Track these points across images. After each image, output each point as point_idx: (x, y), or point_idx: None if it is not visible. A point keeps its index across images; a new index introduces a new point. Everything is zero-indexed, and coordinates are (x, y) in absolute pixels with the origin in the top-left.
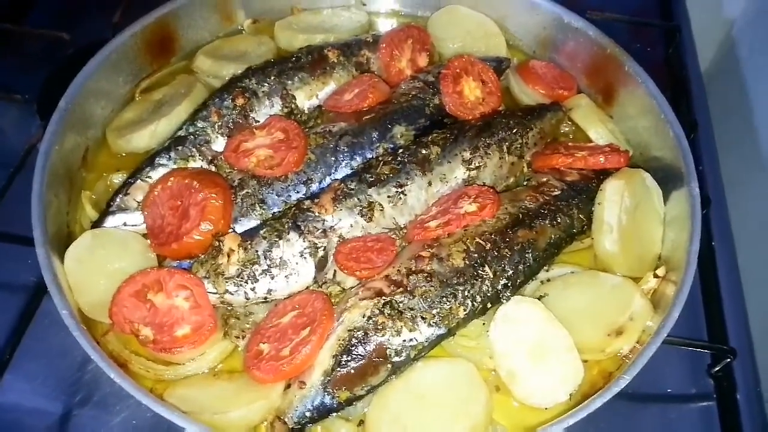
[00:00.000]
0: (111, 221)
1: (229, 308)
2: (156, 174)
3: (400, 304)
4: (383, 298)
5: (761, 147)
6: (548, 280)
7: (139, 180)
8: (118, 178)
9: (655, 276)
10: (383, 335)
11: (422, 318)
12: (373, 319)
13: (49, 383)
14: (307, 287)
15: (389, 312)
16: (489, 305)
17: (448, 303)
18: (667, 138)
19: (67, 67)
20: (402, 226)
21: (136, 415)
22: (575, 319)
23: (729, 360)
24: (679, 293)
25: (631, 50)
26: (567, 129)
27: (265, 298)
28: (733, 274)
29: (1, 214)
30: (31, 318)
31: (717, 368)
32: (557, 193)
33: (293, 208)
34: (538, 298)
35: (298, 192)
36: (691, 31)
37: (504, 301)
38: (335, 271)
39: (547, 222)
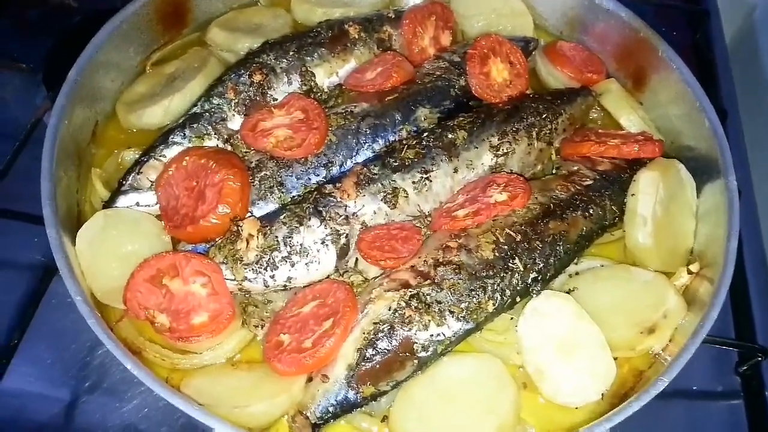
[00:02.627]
0: (123, 201)
1: (247, 296)
2: (170, 152)
3: (428, 297)
4: (410, 290)
5: None
6: (577, 274)
7: (152, 158)
8: (129, 156)
9: (689, 272)
10: (410, 329)
11: (450, 312)
12: (400, 312)
13: (56, 368)
14: (328, 276)
15: (416, 305)
16: (518, 299)
17: (477, 296)
18: (702, 127)
19: (74, 36)
20: (427, 213)
21: (148, 402)
22: (606, 315)
23: (759, 359)
24: (717, 293)
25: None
26: (595, 115)
27: (285, 286)
28: (762, 269)
29: (7, 189)
30: (40, 300)
31: (745, 367)
32: (589, 182)
33: (314, 193)
34: (567, 292)
35: (318, 175)
36: (719, 16)
37: (533, 294)
38: (357, 259)
39: (579, 213)
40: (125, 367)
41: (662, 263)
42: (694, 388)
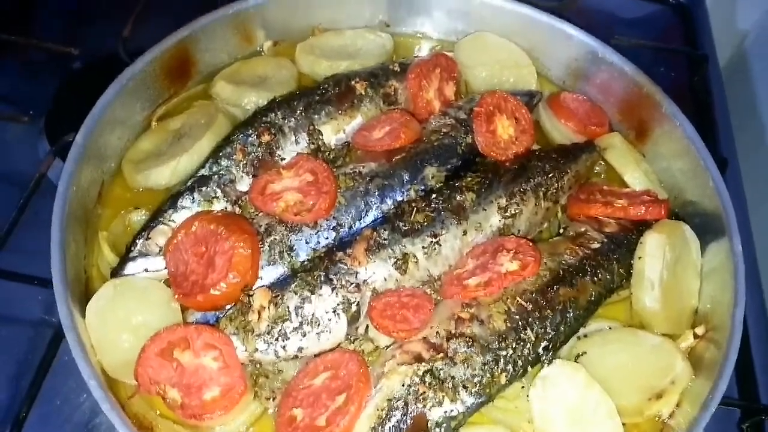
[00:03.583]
0: (132, 267)
1: (257, 366)
2: (179, 217)
3: (441, 372)
4: (423, 364)
5: None
6: (585, 336)
7: (161, 223)
8: (136, 217)
9: (695, 336)
10: (424, 406)
11: (464, 387)
12: (414, 388)
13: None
14: (339, 344)
15: (430, 381)
16: (529, 368)
17: (490, 370)
18: (705, 186)
19: (75, 82)
20: (436, 277)
21: None
22: (614, 381)
23: (763, 418)
24: (726, 363)
25: (654, 74)
26: (599, 169)
27: (296, 355)
28: (764, 325)
29: (10, 247)
30: (49, 367)
31: (748, 423)
32: (597, 246)
33: (324, 260)
34: (576, 356)
35: (327, 238)
36: (717, 60)
37: (544, 362)
38: (368, 326)
39: (588, 278)
40: None
41: (669, 326)
42: None
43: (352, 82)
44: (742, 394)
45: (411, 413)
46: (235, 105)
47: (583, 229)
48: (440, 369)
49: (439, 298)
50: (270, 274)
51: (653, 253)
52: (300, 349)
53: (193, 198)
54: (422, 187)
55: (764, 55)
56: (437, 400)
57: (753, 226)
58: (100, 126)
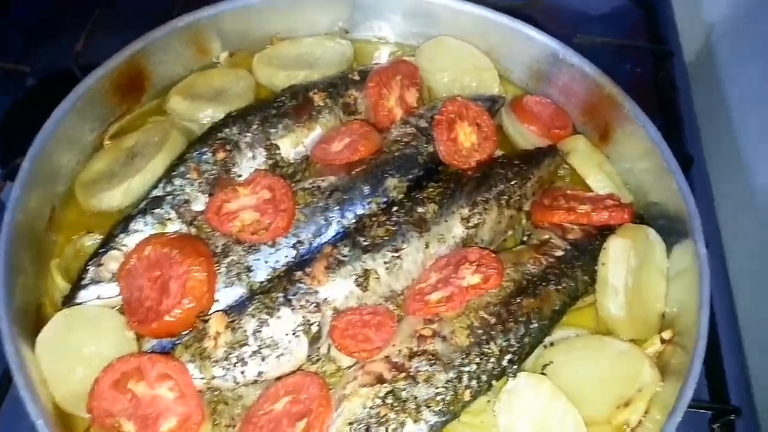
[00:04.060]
0: (84, 295)
1: (216, 393)
2: (131, 241)
3: (403, 392)
4: (385, 385)
5: (742, 153)
6: (551, 344)
7: (113, 248)
8: (88, 242)
9: (662, 341)
10: (386, 429)
11: (427, 406)
12: (375, 410)
13: None
14: (300, 366)
15: (392, 402)
16: (494, 382)
17: (453, 387)
18: (670, 188)
19: (27, 101)
20: (399, 292)
21: None
22: (581, 390)
23: (732, 418)
24: (692, 367)
25: (619, 71)
26: (563, 172)
27: (256, 380)
28: (733, 327)
29: None
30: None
31: (718, 423)
32: (560, 254)
33: (283, 280)
34: (543, 366)
35: (287, 257)
36: (682, 55)
37: (509, 375)
38: (330, 345)
39: (551, 288)
40: None
41: (635, 331)
42: None
43: (310, 93)
44: (713, 395)
45: None
46: (191, 120)
47: (546, 237)
48: (402, 389)
49: (402, 313)
50: (228, 296)
51: (617, 258)
52: (260, 374)
53: (146, 220)
54: (384, 200)
55: (731, 47)
56: (399, 421)
57: (720, 223)
58: (50, 148)
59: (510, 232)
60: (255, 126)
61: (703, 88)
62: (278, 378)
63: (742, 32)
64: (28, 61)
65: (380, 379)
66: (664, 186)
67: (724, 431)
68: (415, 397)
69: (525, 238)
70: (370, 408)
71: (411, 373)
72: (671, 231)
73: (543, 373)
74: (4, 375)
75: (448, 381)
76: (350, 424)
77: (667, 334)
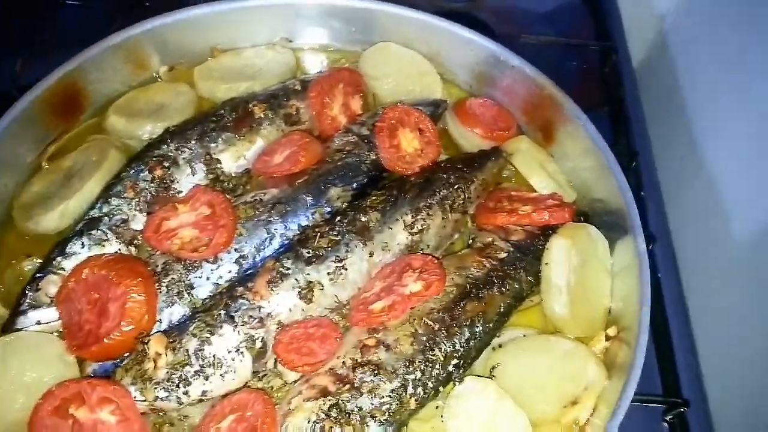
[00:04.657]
0: (23, 321)
1: (161, 414)
2: (69, 264)
3: (348, 404)
4: (329, 398)
5: (696, 146)
6: (500, 346)
7: (50, 272)
8: (28, 266)
9: (607, 338)
10: None
11: (372, 417)
12: (320, 424)
13: None
14: (246, 383)
15: (336, 415)
16: (441, 388)
17: (398, 396)
18: (611, 185)
19: None
20: (344, 302)
21: None
22: (530, 390)
23: (683, 411)
24: (634, 363)
25: (566, 68)
26: (509, 173)
27: (200, 399)
28: (682, 320)
29: None
30: None
31: (670, 416)
32: (503, 256)
33: (224, 297)
34: (492, 368)
35: (230, 272)
36: (627, 50)
37: (456, 381)
38: (275, 360)
39: (495, 290)
40: None
41: (582, 329)
42: None
43: (250, 106)
44: (665, 389)
45: None
46: (130, 137)
47: (489, 240)
48: (346, 401)
49: (348, 324)
50: (170, 315)
51: (559, 258)
52: (204, 393)
53: (83, 242)
54: (328, 209)
55: (682, 39)
56: None
57: (671, 217)
58: None
59: (456, 236)
60: (193, 141)
61: (655, 82)
62: (224, 395)
63: (693, 23)
64: None
65: (324, 392)
66: (606, 183)
67: (676, 424)
68: (360, 408)
69: (469, 242)
70: (315, 422)
71: (355, 385)
72: (615, 227)
73: (492, 376)
74: None
75: (392, 390)
76: None
77: (612, 331)
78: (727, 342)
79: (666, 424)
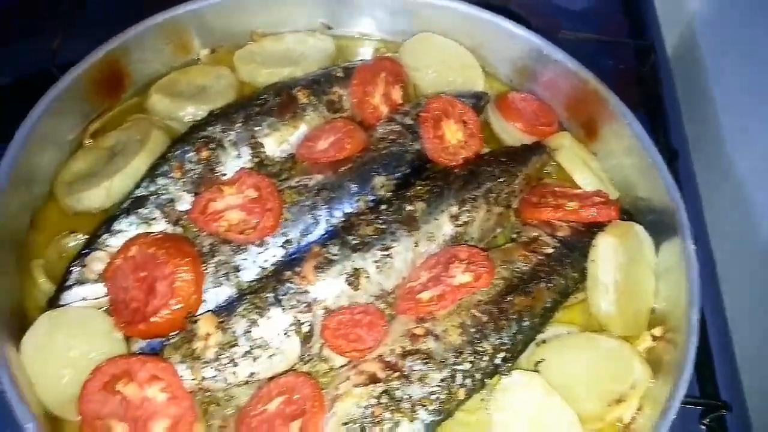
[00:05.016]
0: (68, 297)
1: (207, 394)
2: (115, 241)
3: (397, 392)
4: (378, 385)
5: (726, 146)
6: (543, 342)
7: (97, 249)
8: (71, 242)
9: (654, 337)
10: (381, 429)
11: (422, 405)
12: (370, 409)
13: None
14: (293, 366)
15: (386, 402)
16: (488, 380)
17: (447, 386)
18: (657, 184)
19: (5, 101)
20: (389, 291)
21: None
22: (574, 387)
23: (723, 413)
24: (684, 365)
25: (602, 66)
26: (550, 169)
27: (247, 380)
28: (720, 321)
29: None
30: None
31: (708, 419)
32: (550, 251)
33: (272, 280)
34: (535, 364)
35: (275, 256)
36: (665, 50)
37: (503, 373)
38: (321, 345)
39: (542, 285)
40: None
41: (626, 328)
42: None
43: (294, 91)
44: (703, 391)
45: None
46: (171, 118)
47: (535, 234)
48: (396, 388)
49: (393, 312)
50: (216, 296)
51: (606, 256)
52: (251, 374)
53: (130, 220)
54: (372, 198)
55: (711, 36)
56: (394, 421)
57: (707, 218)
58: (28, 148)
59: (499, 230)
60: (239, 124)
61: (685, 81)
62: (270, 378)
63: (724, 22)
64: (3, 61)
65: (374, 379)
66: (651, 182)
67: (714, 427)
68: (410, 397)
69: (514, 236)
70: (365, 408)
71: (405, 373)
72: (659, 227)
73: (536, 371)
74: None
75: (442, 380)
76: (345, 424)
77: (657, 331)
78: (761, 344)
79: (704, 427)
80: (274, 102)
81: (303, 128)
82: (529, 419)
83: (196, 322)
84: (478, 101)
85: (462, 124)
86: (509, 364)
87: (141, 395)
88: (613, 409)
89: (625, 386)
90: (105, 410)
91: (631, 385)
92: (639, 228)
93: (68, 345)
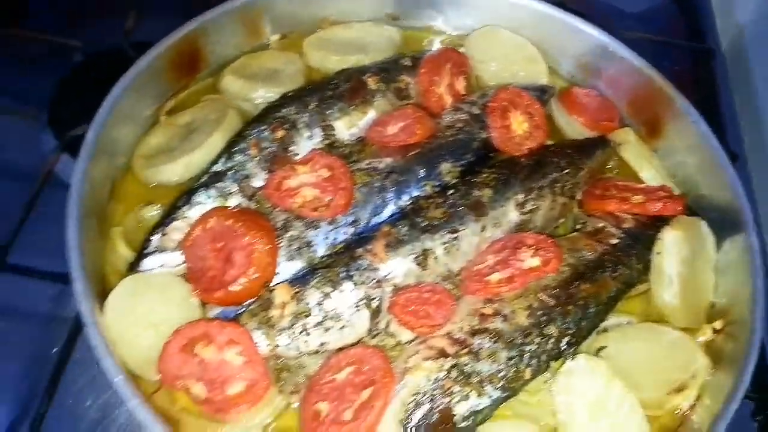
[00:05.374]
0: (149, 263)
1: (279, 361)
2: (194, 213)
3: (466, 367)
4: (448, 359)
5: None
6: (605, 330)
7: (176, 219)
8: (149, 212)
9: (714, 330)
10: (450, 401)
11: (490, 381)
12: (440, 383)
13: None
14: (361, 339)
15: (456, 376)
16: (552, 363)
17: (515, 365)
18: (719, 181)
19: (78, 77)
20: (455, 272)
21: None
22: (635, 374)
23: None
24: (749, 357)
25: (658, 68)
26: (612, 164)
27: (318, 350)
28: None
29: (20, 244)
30: (64, 368)
31: (761, 416)
32: (616, 241)
33: (344, 256)
34: (597, 351)
35: (344, 234)
36: (723, 54)
37: (567, 357)
38: (388, 321)
39: (607, 274)
40: None
41: (687, 320)
42: None
43: (364, 77)
44: (756, 386)
45: (437, 408)
46: (244, 99)
47: (601, 225)
48: (465, 364)
49: (459, 293)
50: (288, 269)
51: (671, 249)
52: (322, 344)
53: (208, 194)
54: (437, 183)
55: (761, 47)
56: (464, 394)
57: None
58: (110, 121)
59: (561, 221)
60: (311, 106)
61: (735, 87)
62: (339, 350)
63: None
64: (77, 38)
65: (443, 354)
66: (714, 180)
67: (766, 422)
68: (479, 372)
69: (578, 226)
70: (435, 380)
71: (473, 350)
72: (721, 224)
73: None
74: (69, 335)
75: (509, 359)
76: (414, 395)
77: (718, 324)
78: None
79: (756, 424)
80: (345, 87)
81: (371, 114)
82: (590, 403)
83: (272, 291)
84: (542, 94)
85: (528, 116)
86: (573, 349)
87: (218, 358)
88: (673, 398)
89: (686, 375)
90: (183, 371)
91: (692, 375)
92: (704, 224)
93: (149, 308)
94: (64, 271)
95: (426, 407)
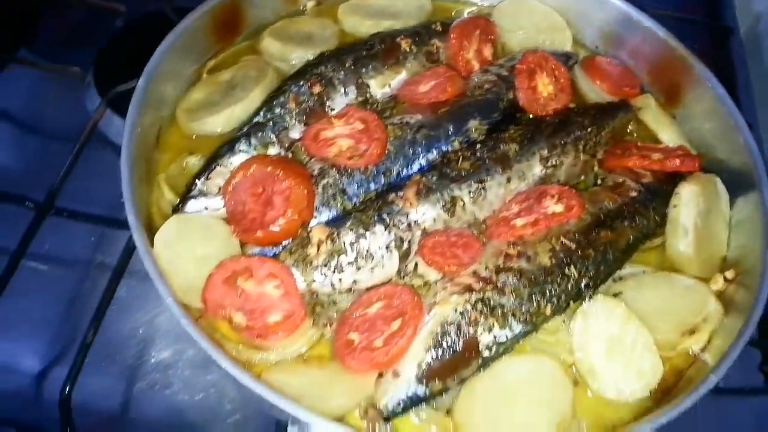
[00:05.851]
0: (193, 205)
1: (314, 296)
2: (236, 160)
3: (491, 301)
4: (474, 294)
5: None
6: (620, 279)
7: (219, 166)
8: (192, 161)
9: (726, 279)
10: (476, 331)
11: (513, 315)
12: (466, 314)
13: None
14: (390, 279)
15: (481, 308)
16: (571, 302)
17: (536, 301)
18: (735, 144)
19: (121, 39)
20: (481, 220)
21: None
22: (649, 317)
23: None
24: (758, 299)
25: None
26: (631, 128)
27: (350, 288)
28: None
29: (65, 196)
30: (106, 311)
31: None
32: (635, 194)
33: (378, 201)
34: (614, 296)
35: (377, 183)
36: (740, 31)
37: (585, 298)
38: (416, 263)
39: (626, 223)
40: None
41: (700, 270)
42: (720, 385)
43: (398, 39)
44: (763, 335)
45: (463, 336)
46: (282, 60)
47: (621, 180)
48: (490, 298)
49: (485, 240)
50: (324, 214)
51: (688, 203)
52: (354, 282)
53: (250, 143)
54: (465, 139)
55: None
56: (488, 325)
57: None
58: (157, 75)
59: (582, 177)
60: (347, 65)
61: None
62: (369, 289)
63: None
64: (121, 1)
65: (469, 289)
66: (730, 141)
67: None
68: (502, 306)
69: (599, 182)
70: (462, 312)
71: (498, 286)
72: (733, 184)
73: None
74: (111, 279)
75: (531, 295)
76: (442, 324)
77: (730, 273)
78: None
79: (763, 375)
80: (380, 48)
81: (404, 74)
82: (607, 340)
83: (310, 231)
84: (567, 60)
85: (553, 78)
86: (591, 291)
87: (259, 290)
88: (685, 339)
89: (699, 318)
90: (226, 301)
91: (704, 318)
92: (719, 181)
93: (192, 245)
94: (106, 215)
95: (453, 336)
